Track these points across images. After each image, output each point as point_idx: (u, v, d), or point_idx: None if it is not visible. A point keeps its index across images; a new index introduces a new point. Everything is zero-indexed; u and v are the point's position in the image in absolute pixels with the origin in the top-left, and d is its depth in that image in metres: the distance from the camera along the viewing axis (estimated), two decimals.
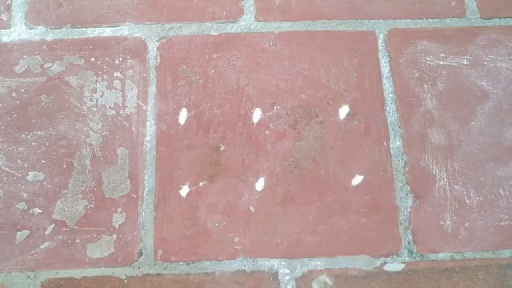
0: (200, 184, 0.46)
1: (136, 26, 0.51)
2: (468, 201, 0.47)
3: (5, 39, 0.50)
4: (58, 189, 0.45)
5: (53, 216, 0.45)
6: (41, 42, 0.50)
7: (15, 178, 0.46)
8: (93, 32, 0.51)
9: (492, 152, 0.48)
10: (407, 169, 0.48)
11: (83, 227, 0.45)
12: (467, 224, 0.46)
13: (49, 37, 0.50)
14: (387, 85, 0.50)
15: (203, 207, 0.45)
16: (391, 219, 0.46)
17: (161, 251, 0.44)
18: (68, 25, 0.51)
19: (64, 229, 0.44)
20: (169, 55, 0.50)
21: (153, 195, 0.46)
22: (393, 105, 0.50)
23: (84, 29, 0.51)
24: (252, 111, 0.49)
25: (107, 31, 0.51)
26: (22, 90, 0.48)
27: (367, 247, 0.45)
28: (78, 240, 0.44)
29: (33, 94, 0.48)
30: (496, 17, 0.53)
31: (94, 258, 0.44)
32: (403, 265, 0.45)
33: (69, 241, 0.44)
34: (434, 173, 0.48)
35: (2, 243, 0.44)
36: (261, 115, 0.48)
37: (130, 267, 0.44)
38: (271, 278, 0.44)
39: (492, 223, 0.46)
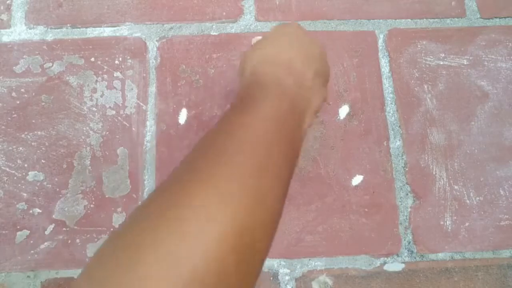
0: None
1: (136, 26, 0.51)
2: (468, 201, 0.47)
3: (5, 39, 0.50)
4: (58, 189, 0.45)
5: (53, 216, 0.45)
6: (41, 42, 0.50)
7: (15, 178, 0.46)
8: (93, 32, 0.51)
9: (492, 152, 0.48)
10: (407, 169, 0.48)
11: (83, 227, 0.45)
12: (467, 224, 0.46)
13: (49, 37, 0.50)
14: (387, 85, 0.50)
15: None
16: (391, 219, 0.46)
17: None
18: (68, 25, 0.51)
19: (64, 229, 0.44)
20: (169, 55, 0.50)
21: None
22: (393, 105, 0.50)
23: (84, 29, 0.51)
24: None
25: (107, 31, 0.51)
26: (22, 90, 0.48)
27: (367, 247, 0.45)
28: (78, 240, 0.44)
29: (33, 94, 0.48)
30: (496, 17, 0.53)
31: None
32: (403, 265, 0.45)
33: (69, 241, 0.44)
34: (434, 173, 0.48)
35: (2, 243, 0.44)
36: None
37: None
38: (271, 278, 0.44)
39: (492, 223, 0.46)
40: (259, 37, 0.36)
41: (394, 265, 0.45)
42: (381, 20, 0.53)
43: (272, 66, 0.30)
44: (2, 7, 0.51)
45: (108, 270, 0.18)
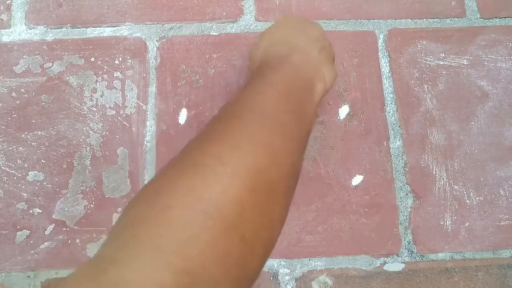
0: None
1: (136, 26, 0.51)
2: (468, 201, 0.47)
3: (5, 39, 0.50)
4: (58, 189, 0.45)
5: (53, 216, 0.45)
6: (41, 42, 0.50)
7: (15, 178, 0.46)
8: (93, 32, 0.51)
9: (492, 152, 0.48)
10: (407, 169, 0.48)
11: (83, 227, 0.45)
12: (467, 224, 0.46)
13: (49, 37, 0.50)
14: (387, 85, 0.50)
15: None
16: (391, 219, 0.46)
17: None
18: (68, 25, 0.51)
19: (64, 229, 0.44)
20: (169, 55, 0.50)
21: None
22: (393, 105, 0.50)
23: (84, 29, 0.51)
24: None
25: (107, 31, 0.51)
26: (22, 90, 0.48)
27: (367, 247, 0.45)
28: (78, 240, 0.44)
29: (33, 94, 0.48)
30: (496, 17, 0.53)
31: None
32: (403, 265, 0.45)
33: (69, 241, 0.44)
34: (434, 173, 0.48)
35: (2, 243, 0.44)
36: None
37: None
38: (271, 278, 0.44)
39: (492, 223, 0.46)
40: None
41: (394, 265, 0.45)
42: (381, 20, 0.53)
43: (278, 48, 0.34)
44: (2, 7, 0.51)
45: (140, 203, 0.22)
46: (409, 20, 0.53)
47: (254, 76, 0.32)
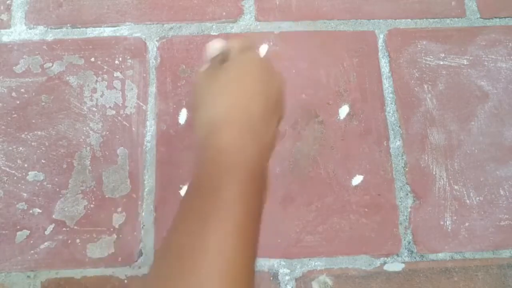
0: None
1: (136, 26, 0.51)
2: (468, 201, 0.47)
3: (5, 39, 0.50)
4: (58, 189, 0.45)
5: (53, 216, 0.45)
6: (41, 42, 0.50)
7: (15, 178, 0.46)
8: (93, 32, 0.51)
9: (492, 152, 0.48)
10: (407, 169, 0.48)
11: (83, 227, 0.45)
12: (467, 224, 0.46)
13: (49, 37, 0.50)
14: (387, 85, 0.50)
15: None
16: (391, 219, 0.46)
17: None
18: (68, 25, 0.51)
19: (64, 229, 0.44)
20: (169, 55, 0.50)
21: (153, 195, 0.46)
22: (393, 105, 0.50)
23: (84, 29, 0.51)
24: None
25: (107, 31, 0.51)
26: (22, 90, 0.48)
27: (367, 247, 0.45)
28: (78, 240, 0.44)
29: (33, 94, 0.48)
30: (496, 17, 0.53)
31: (94, 258, 0.44)
32: (403, 265, 0.45)
33: (69, 241, 0.44)
34: (434, 173, 0.48)
35: (2, 243, 0.44)
36: None
37: (130, 267, 0.44)
38: (271, 278, 0.44)
39: (492, 223, 0.46)
40: (217, 44, 0.31)
41: (394, 265, 0.45)
42: (381, 20, 0.53)
43: (228, 133, 0.26)
44: (2, 7, 0.51)
45: None
46: (409, 20, 0.53)
47: (202, 183, 0.25)
